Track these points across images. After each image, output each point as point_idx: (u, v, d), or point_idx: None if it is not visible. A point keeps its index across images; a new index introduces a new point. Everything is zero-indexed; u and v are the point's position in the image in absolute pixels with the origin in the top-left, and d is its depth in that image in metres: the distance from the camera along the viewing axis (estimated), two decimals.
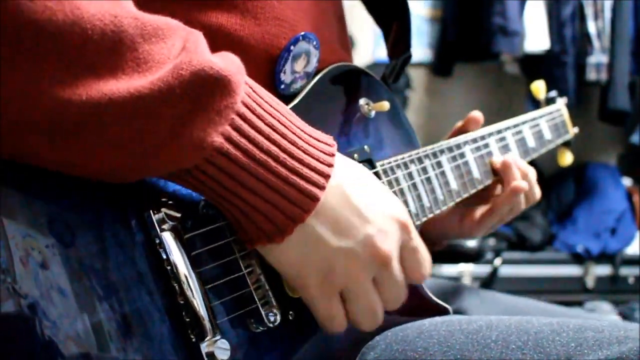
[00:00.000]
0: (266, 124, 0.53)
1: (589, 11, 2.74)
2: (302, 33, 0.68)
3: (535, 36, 2.76)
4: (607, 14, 2.72)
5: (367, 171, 0.63)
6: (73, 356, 0.48)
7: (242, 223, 0.57)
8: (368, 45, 2.92)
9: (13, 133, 0.47)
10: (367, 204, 0.59)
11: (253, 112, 0.53)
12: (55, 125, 0.47)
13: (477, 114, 0.93)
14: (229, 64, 0.52)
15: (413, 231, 0.62)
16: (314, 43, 0.70)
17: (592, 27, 2.74)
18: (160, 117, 0.49)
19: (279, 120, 0.55)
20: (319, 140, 0.58)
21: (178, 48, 0.51)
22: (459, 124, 0.95)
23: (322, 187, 0.56)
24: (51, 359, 0.47)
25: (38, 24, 0.45)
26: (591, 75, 2.74)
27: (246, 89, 0.53)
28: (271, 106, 0.55)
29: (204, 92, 0.50)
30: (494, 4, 2.72)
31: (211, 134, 0.50)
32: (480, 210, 0.92)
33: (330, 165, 0.57)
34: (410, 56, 0.83)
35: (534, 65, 2.81)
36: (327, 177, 0.56)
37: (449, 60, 2.99)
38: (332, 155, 0.58)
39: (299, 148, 0.55)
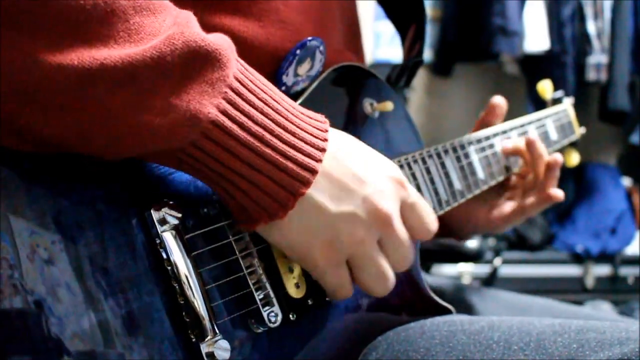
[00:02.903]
0: (259, 99, 0.54)
1: (588, 11, 2.74)
2: (310, 38, 0.68)
3: (535, 36, 2.76)
4: (607, 14, 2.73)
5: (355, 139, 0.63)
6: (78, 352, 0.48)
7: (242, 202, 0.56)
8: (368, 46, 2.91)
9: (8, 105, 0.47)
10: (361, 166, 0.59)
11: (246, 86, 0.53)
12: (48, 92, 0.47)
13: (498, 100, 0.93)
14: (220, 40, 0.53)
15: (409, 187, 0.62)
16: (321, 48, 0.69)
17: (591, 27, 2.74)
18: (153, 86, 0.49)
19: (271, 97, 0.55)
20: (311, 118, 0.58)
21: (169, 23, 0.51)
22: (482, 114, 0.95)
23: (318, 160, 0.56)
24: (57, 354, 0.47)
25: None
26: (591, 75, 2.74)
27: (238, 65, 0.53)
28: (263, 84, 0.55)
29: (195, 62, 0.50)
30: (493, 4, 2.72)
31: (206, 106, 0.50)
32: (509, 205, 0.93)
33: (324, 140, 0.57)
34: (421, 61, 0.83)
35: (533, 66, 2.81)
36: (322, 150, 0.57)
37: (448, 60, 2.99)
38: (326, 130, 0.58)
39: (292, 123, 0.55)
